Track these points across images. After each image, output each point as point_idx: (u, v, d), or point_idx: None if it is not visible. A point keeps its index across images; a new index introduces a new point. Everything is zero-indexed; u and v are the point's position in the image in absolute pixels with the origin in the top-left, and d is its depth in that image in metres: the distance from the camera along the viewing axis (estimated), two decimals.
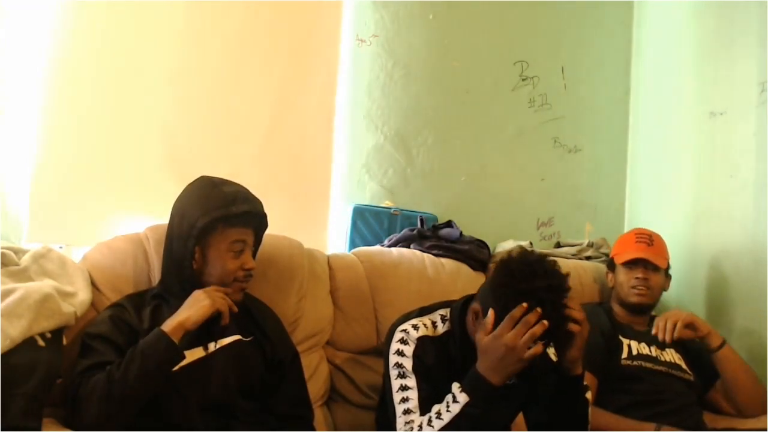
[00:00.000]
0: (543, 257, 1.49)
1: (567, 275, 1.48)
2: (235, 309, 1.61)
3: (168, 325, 1.50)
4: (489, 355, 1.43)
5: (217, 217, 1.59)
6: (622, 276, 2.20)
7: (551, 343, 1.52)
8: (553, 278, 1.44)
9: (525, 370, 1.45)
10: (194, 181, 1.70)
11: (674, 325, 2.00)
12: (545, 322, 1.40)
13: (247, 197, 1.67)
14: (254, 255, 1.73)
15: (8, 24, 1.97)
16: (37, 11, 2.01)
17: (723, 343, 2.04)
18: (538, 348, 1.40)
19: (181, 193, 1.70)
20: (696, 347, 2.19)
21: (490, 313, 1.45)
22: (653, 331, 2.04)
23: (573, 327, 1.45)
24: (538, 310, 1.40)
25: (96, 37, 2.12)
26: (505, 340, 1.41)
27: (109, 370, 1.45)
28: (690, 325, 2.02)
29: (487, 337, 1.44)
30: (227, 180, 1.70)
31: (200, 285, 1.60)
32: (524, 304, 1.40)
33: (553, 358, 1.59)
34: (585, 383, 1.56)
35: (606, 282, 2.32)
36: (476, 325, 1.51)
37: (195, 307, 1.54)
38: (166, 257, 1.68)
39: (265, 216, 1.73)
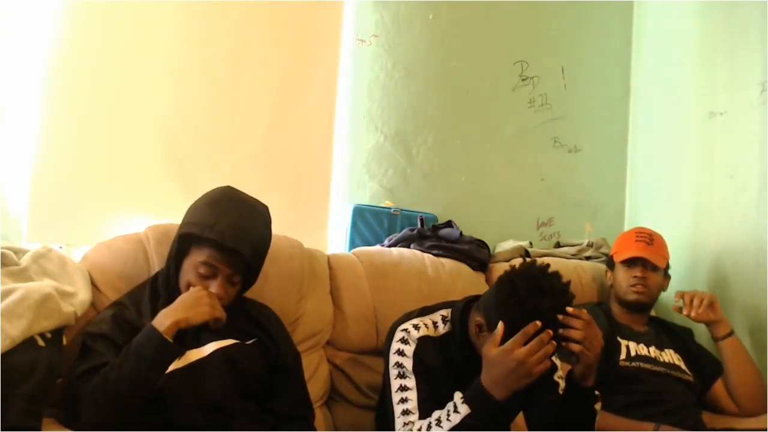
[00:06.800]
0: (545, 270, 1.46)
1: (568, 283, 1.47)
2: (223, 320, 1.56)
3: (162, 323, 1.46)
4: (496, 368, 1.41)
5: (190, 233, 1.55)
6: (621, 274, 2.20)
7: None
8: (554, 295, 1.43)
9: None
10: (220, 187, 1.65)
11: (701, 302, 2.06)
12: (554, 342, 1.40)
13: (240, 236, 1.53)
14: (239, 292, 1.63)
15: (8, 23, 1.97)
16: (38, 11, 2.01)
17: (731, 333, 2.07)
18: (546, 364, 1.40)
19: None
20: (696, 347, 2.20)
21: (500, 326, 1.43)
22: (677, 307, 2.11)
23: (573, 347, 1.44)
24: (550, 332, 1.39)
25: (96, 36, 2.11)
26: (516, 355, 1.39)
27: (104, 372, 1.44)
28: (711, 305, 2.07)
29: (496, 350, 1.42)
30: (248, 202, 1.63)
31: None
32: (538, 323, 1.39)
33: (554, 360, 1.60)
34: (597, 393, 1.55)
35: (605, 281, 2.33)
36: (480, 337, 1.51)
37: (195, 310, 1.49)
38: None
39: (250, 263, 1.58)
